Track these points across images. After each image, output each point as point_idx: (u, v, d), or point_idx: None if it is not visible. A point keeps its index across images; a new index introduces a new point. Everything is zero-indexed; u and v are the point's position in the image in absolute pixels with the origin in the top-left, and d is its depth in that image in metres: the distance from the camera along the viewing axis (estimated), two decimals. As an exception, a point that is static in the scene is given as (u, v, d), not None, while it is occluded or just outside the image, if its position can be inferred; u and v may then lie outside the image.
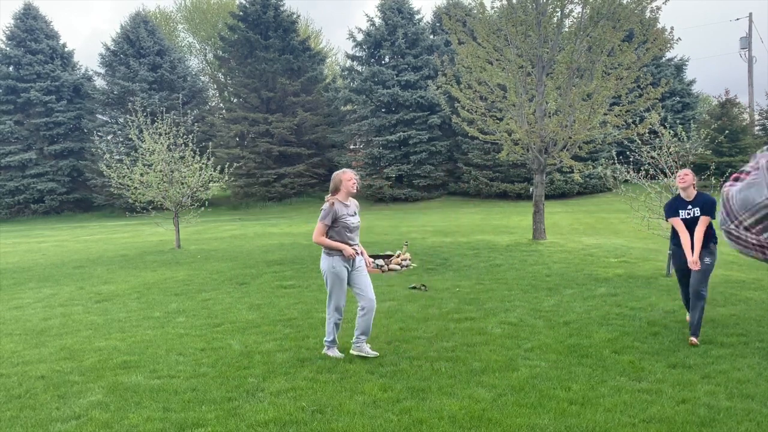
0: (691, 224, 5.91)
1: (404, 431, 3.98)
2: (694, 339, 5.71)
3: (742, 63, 39.84)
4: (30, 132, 37.16)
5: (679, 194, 6.08)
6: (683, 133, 10.01)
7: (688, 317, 6.08)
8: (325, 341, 5.68)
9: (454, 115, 15.24)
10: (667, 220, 6.20)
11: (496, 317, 6.97)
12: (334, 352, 5.60)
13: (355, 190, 5.50)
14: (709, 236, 5.93)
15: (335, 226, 5.43)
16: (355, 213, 5.58)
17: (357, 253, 5.50)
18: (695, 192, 6.00)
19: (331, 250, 5.45)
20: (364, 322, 5.46)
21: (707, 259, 5.89)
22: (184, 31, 51.64)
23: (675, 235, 6.12)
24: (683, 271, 6.12)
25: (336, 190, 5.49)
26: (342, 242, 5.44)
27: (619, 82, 13.01)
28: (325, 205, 5.45)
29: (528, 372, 5.02)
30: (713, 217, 5.83)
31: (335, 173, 5.55)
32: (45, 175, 36.40)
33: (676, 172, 9.53)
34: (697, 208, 5.90)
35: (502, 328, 6.46)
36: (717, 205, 5.18)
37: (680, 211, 5.99)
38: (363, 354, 5.48)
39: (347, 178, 5.46)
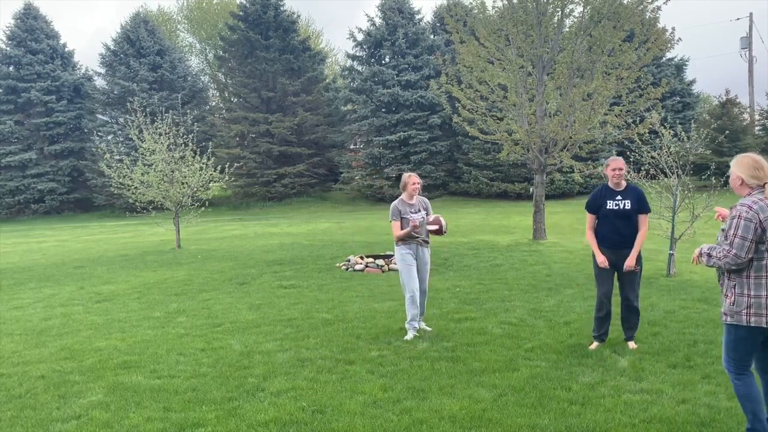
0: (619, 217, 5.53)
1: (404, 431, 3.98)
2: (632, 343, 5.64)
3: (743, 63, 39.78)
4: (30, 132, 37.13)
5: (606, 184, 5.68)
6: (683, 133, 9.99)
7: (593, 344, 5.69)
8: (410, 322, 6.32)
9: (454, 115, 15.23)
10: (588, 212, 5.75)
11: (497, 317, 6.97)
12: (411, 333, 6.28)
13: (415, 192, 6.48)
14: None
15: (403, 223, 6.35)
16: (419, 210, 6.45)
17: (417, 225, 6.31)
18: (625, 183, 5.65)
19: (398, 241, 6.39)
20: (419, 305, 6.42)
21: (639, 266, 5.63)
22: (184, 31, 51.61)
23: (601, 232, 5.67)
24: (603, 277, 5.73)
25: (403, 189, 6.51)
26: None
27: (619, 82, 13.01)
28: (391, 206, 6.47)
29: (528, 372, 5.02)
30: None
31: (404, 175, 6.57)
32: (45, 175, 36.34)
33: (677, 172, 9.54)
34: (628, 201, 5.53)
35: (503, 328, 6.46)
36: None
37: (608, 202, 5.55)
38: (420, 330, 6.37)
39: (411, 181, 6.46)
